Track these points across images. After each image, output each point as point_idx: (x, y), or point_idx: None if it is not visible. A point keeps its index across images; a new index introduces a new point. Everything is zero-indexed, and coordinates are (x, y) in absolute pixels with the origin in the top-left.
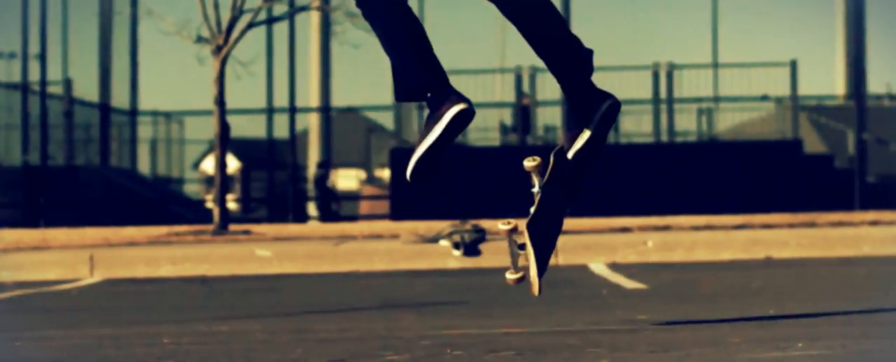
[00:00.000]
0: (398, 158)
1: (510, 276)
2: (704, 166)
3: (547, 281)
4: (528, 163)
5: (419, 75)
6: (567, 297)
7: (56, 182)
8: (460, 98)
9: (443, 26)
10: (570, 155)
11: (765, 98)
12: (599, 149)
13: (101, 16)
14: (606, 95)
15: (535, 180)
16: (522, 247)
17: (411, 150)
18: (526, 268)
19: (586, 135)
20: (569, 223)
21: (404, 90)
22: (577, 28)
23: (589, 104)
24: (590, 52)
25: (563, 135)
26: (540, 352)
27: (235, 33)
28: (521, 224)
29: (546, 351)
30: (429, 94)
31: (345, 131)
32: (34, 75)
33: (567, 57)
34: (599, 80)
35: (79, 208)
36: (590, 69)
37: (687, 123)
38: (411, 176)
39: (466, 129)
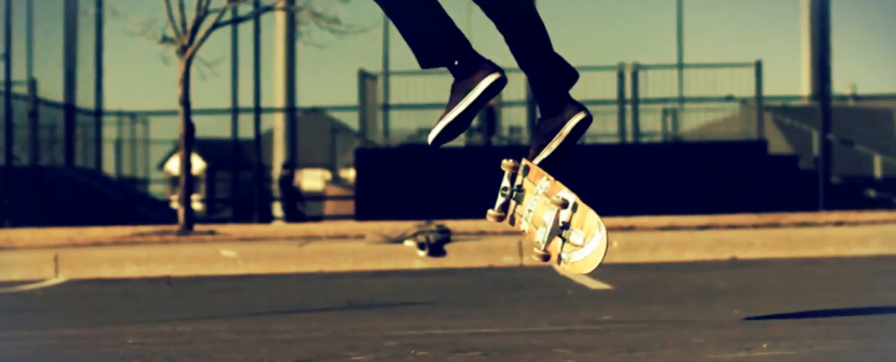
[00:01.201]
0: (363, 158)
1: (538, 251)
2: (669, 167)
3: (513, 282)
4: (507, 162)
5: (445, 41)
6: (532, 298)
7: (21, 182)
8: (494, 67)
9: None
10: (535, 162)
11: (730, 98)
12: (564, 159)
13: (66, 16)
14: (579, 108)
15: (507, 181)
16: (566, 226)
17: (439, 116)
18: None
19: (554, 145)
20: None
21: (430, 57)
22: None
23: (561, 114)
24: (576, 76)
25: (531, 141)
26: (505, 353)
27: (200, 33)
28: (573, 196)
29: (511, 351)
30: (456, 62)
31: (310, 131)
32: None
33: (546, 62)
34: None
35: (44, 208)
36: (569, 84)
37: (652, 124)
38: (435, 140)
39: (430, 129)
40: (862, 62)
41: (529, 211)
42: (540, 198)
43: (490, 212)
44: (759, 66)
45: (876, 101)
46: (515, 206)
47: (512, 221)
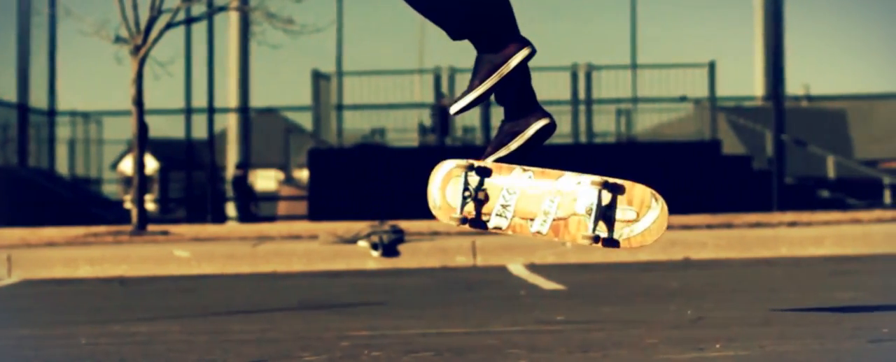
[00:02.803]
0: (316, 159)
1: (586, 234)
2: (623, 167)
3: (466, 283)
4: (462, 164)
5: (469, 12)
6: (485, 298)
7: None
8: (524, 40)
9: (361, 26)
10: (488, 161)
11: (683, 99)
12: (521, 162)
13: (19, 16)
14: (545, 114)
15: (463, 183)
16: (611, 206)
17: (463, 91)
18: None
19: (513, 146)
20: None
21: (461, 29)
22: None
23: (526, 118)
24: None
25: (492, 139)
26: (458, 353)
27: (154, 33)
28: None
29: (464, 351)
30: (484, 34)
31: (263, 132)
32: None
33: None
34: None
35: None
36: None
37: (606, 124)
38: (460, 111)
39: (384, 130)
40: (815, 63)
41: (503, 206)
42: (524, 189)
43: (452, 215)
44: (712, 67)
45: (829, 102)
46: (479, 206)
47: (479, 224)
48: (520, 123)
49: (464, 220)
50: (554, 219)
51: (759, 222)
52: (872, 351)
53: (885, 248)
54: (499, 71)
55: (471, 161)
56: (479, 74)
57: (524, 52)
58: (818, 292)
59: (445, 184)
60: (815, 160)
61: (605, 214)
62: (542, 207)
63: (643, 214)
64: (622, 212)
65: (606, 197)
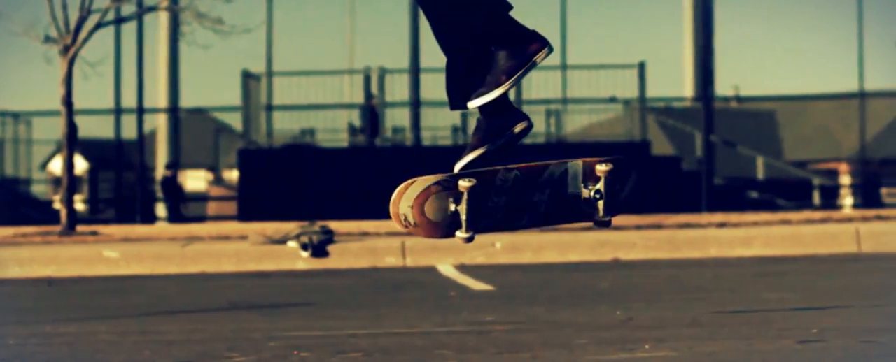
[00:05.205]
0: (246, 159)
1: (599, 218)
2: None
3: (395, 283)
4: (466, 184)
5: (487, 6)
6: (415, 299)
7: None
8: (546, 40)
9: (291, 27)
10: (459, 164)
11: (613, 100)
12: (496, 160)
13: None
14: (525, 116)
15: (460, 198)
16: (607, 183)
17: (476, 87)
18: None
19: (499, 142)
20: None
21: (493, 26)
22: (427, 31)
23: (511, 117)
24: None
25: (473, 137)
26: (387, 354)
27: (83, 33)
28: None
29: (393, 352)
30: (512, 31)
31: (193, 132)
32: None
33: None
34: None
35: None
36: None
37: (535, 125)
38: (483, 105)
39: (314, 130)
40: (745, 64)
41: (492, 207)
42: (511, 188)
43: (459, 233)
44: (642, 68)
45: (759, 103)
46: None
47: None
48: (505, 122)
49: (469, 239)
50: (546, 209)
51: (688, 223)
52: (801, 352)
53: (814, 249)
54: (526, 66)
55: (464, 176)
56: (503, 69)
57: (546, 50)
58: (747, 293)
59: (423, 201)
60: (744, 161)
61: (606, 193)
62: (533, 199)
63: (628, 181)
64: (614, 186)
65: (601, 176)
